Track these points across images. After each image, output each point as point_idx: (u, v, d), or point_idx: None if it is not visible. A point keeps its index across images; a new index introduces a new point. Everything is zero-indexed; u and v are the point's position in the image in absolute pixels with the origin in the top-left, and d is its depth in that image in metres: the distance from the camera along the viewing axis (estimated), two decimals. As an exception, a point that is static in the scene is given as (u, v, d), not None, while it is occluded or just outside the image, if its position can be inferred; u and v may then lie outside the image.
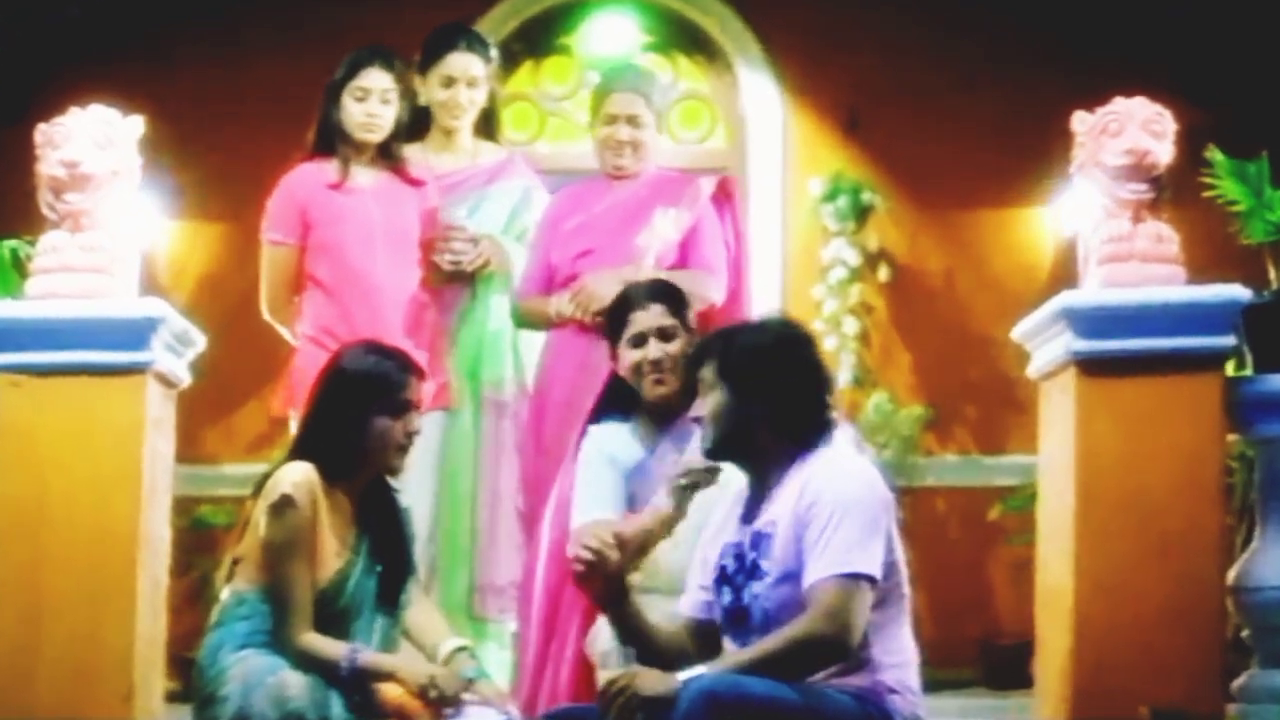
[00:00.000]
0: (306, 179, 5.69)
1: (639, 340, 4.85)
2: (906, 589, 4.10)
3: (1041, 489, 5.69)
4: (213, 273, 8.90)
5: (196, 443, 8.40)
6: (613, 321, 4.97)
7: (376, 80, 5.67)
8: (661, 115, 5.68)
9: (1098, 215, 5.43)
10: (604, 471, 4.83)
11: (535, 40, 9.27)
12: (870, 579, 3.94)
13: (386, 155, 5.74)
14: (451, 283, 5.79)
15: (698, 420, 4.24)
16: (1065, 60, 8.43)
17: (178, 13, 8.92)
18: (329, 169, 5.68)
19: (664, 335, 4.83)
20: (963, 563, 8.62)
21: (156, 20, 8.89)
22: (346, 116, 5.67)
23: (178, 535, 7.28)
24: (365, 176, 5.71)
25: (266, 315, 5.78)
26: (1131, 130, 5.38)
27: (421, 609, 4.71)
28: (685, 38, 9.31)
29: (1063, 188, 8.04)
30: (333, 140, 5.70)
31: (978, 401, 8.90)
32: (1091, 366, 5.30)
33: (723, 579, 4.16)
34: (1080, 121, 5.49)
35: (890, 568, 4.03)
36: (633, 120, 5.55)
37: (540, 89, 9.32)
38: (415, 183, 5.77)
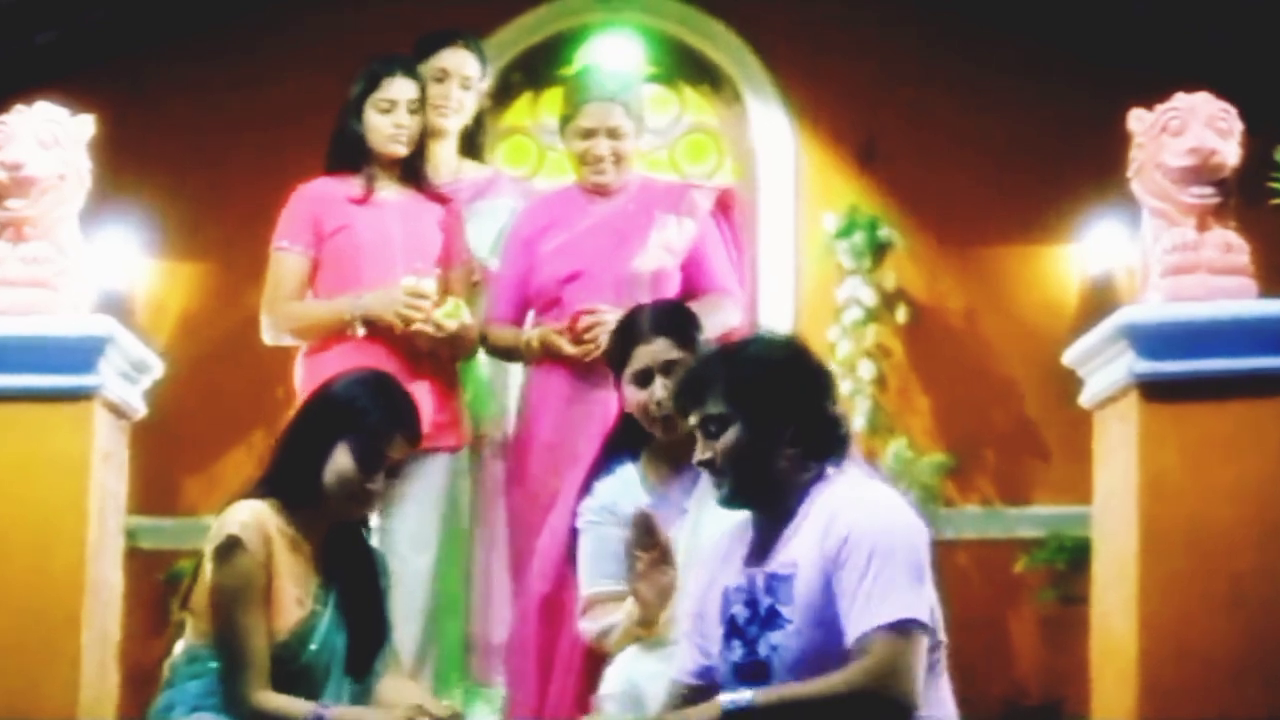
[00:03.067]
0: (324, 189, 5.30)
1: (643, 378, 4.40)
2: (944, 636, 3.70)
3: (1097, 530, 5.32)
4: (195, 314, 8.51)
5: (176, 492, 8.15)
6: (615, 353, 4.52)
7: (403, 90, 5.27)
8: (642, 119, 5.28)
9: (1158, 223, 5.07)
10: (606, 535, 4.40)
11: (534, 71, 8.86)
12: (923, 625, 3.52)
13: (411, 172, 5.35)
14: None
15: (704, 466, 3.74)
16: (1095, 87, 8.00)
17: (159, 43, 8.57)
18: (351, 184, 5.29)
19: (671, 371, 4.36)
20: (985, 619, 8.19)
21: (136, 49, 8.53)
22: (372, 131, 5.27)
23: (155, 591, 7.23)
24: (389, 191, 5.32)
25: (269, 337, 5.30)
26: (1195, 128, 5.02)
27: (396, 680, 4.24)
28: (691, 67, 8.93)
29: (1090, 222, 8.17)
30: (354, 157, 5.30)
31: (1001, 449, 8.52)
32: (1155, 390, 4.95)
33: (732, 630, 3.70)
34: (1138, 120, 5.12)
35: (930, 611, 3.62)
36: (613, 132, 5.16)
37: (538, 122, 8.92)
38: (440, 199, 5.38)
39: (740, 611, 3.67)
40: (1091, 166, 7.87)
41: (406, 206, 5.29)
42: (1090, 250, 8.32)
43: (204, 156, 8.42)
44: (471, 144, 5.61)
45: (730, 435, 3.67)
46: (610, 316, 4.84)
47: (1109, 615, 5.11)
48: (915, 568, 3.54)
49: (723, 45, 8.81)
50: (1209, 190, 4.98)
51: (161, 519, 7.69)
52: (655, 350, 4.39)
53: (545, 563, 4.60)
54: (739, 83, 8.80)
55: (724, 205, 5.25)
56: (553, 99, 8.83)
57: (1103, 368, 5.15)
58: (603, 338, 4.83)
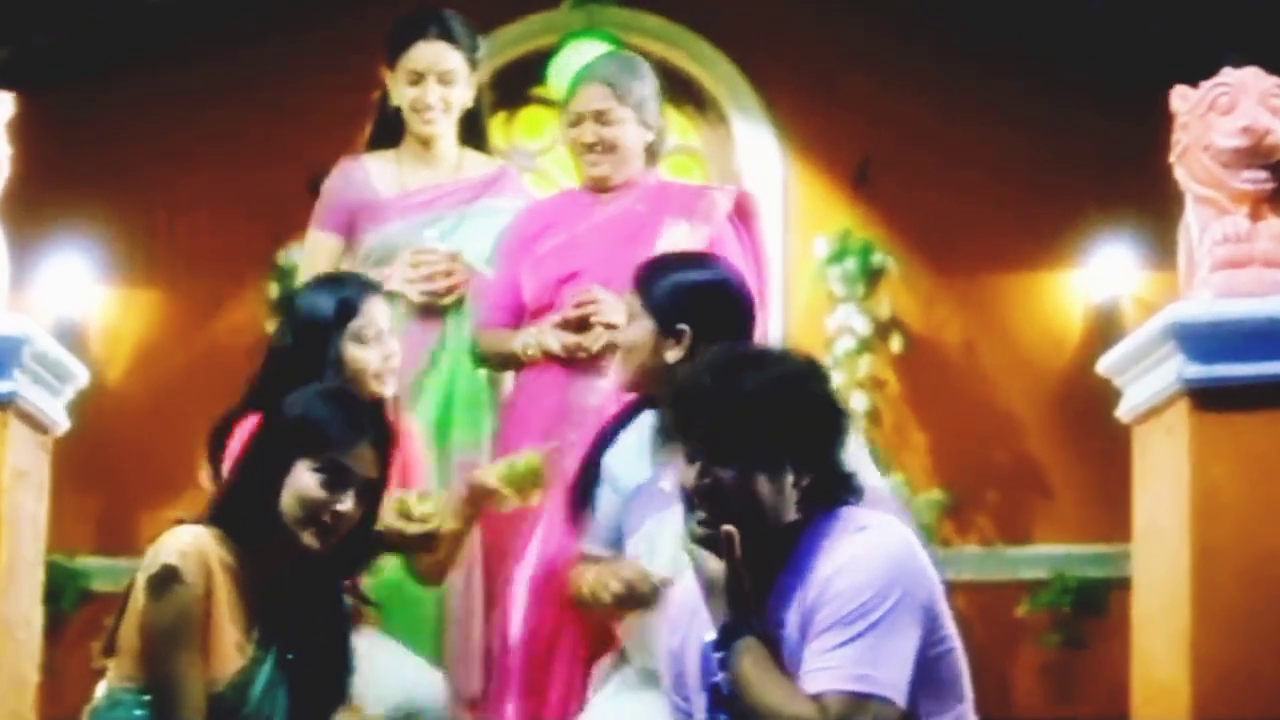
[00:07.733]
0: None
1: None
2: (969, 690, 3.26)
3: (1138, 557, 4.77)
4: (152, 344, 8.31)
5: (132, 531, 7.82)
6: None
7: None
8: (645, 106, 4.76)
9: (1204, 212, 4.55)
10: (606, 499, 4.15)
11: (507, 91, 8.36)
12: (889, 702, 3.09)
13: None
14: (420, 319, 4.82)
15: (695, 495, 3.24)
16: (1097, 107, 7.95)
17: (113, 67, 8.31)
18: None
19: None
20: (985, 666, 7.73)
21: (90, 73, 8.26)
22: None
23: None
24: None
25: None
26: (1246, 105, 4.46)
27: None
28: (674, 88, 8.31)
29: (1094, 247, 8.12)
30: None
31: (1001, 486, 8.39)
32: (1207, 398, 4.39)
33: (716, 701, 3.24)
34: (1182, 99, 4.58)
35: (943, 661, 3.20)
36: (600, 117, 4.69)
37: (514, 144, 8.56)
38: None
39: (725, 679, 3.21)
40: (1095, 189, 7.87)
41: None
42: (1094, 277, 8.22)
43: (159, 182, 8.23)
44: (473, 130, 5.08)
45: (723, 474, 3.20)
46: (608, 303, 4.43)
47: (1154, 653, 4.58)
48: (897, 634, 3.10)
49: (707, 64, 8.64)
50: (1262, 175, 4.45)
51: (117, 559, 7.39)
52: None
53: (540, 572, 4.28)
54: (724, 103, 8.61)
55: (742, 209, 4.80)
56: (527, 120, 8.69)
57: (1145, 375, 4.63)
58: (599, 330, 4.47)
